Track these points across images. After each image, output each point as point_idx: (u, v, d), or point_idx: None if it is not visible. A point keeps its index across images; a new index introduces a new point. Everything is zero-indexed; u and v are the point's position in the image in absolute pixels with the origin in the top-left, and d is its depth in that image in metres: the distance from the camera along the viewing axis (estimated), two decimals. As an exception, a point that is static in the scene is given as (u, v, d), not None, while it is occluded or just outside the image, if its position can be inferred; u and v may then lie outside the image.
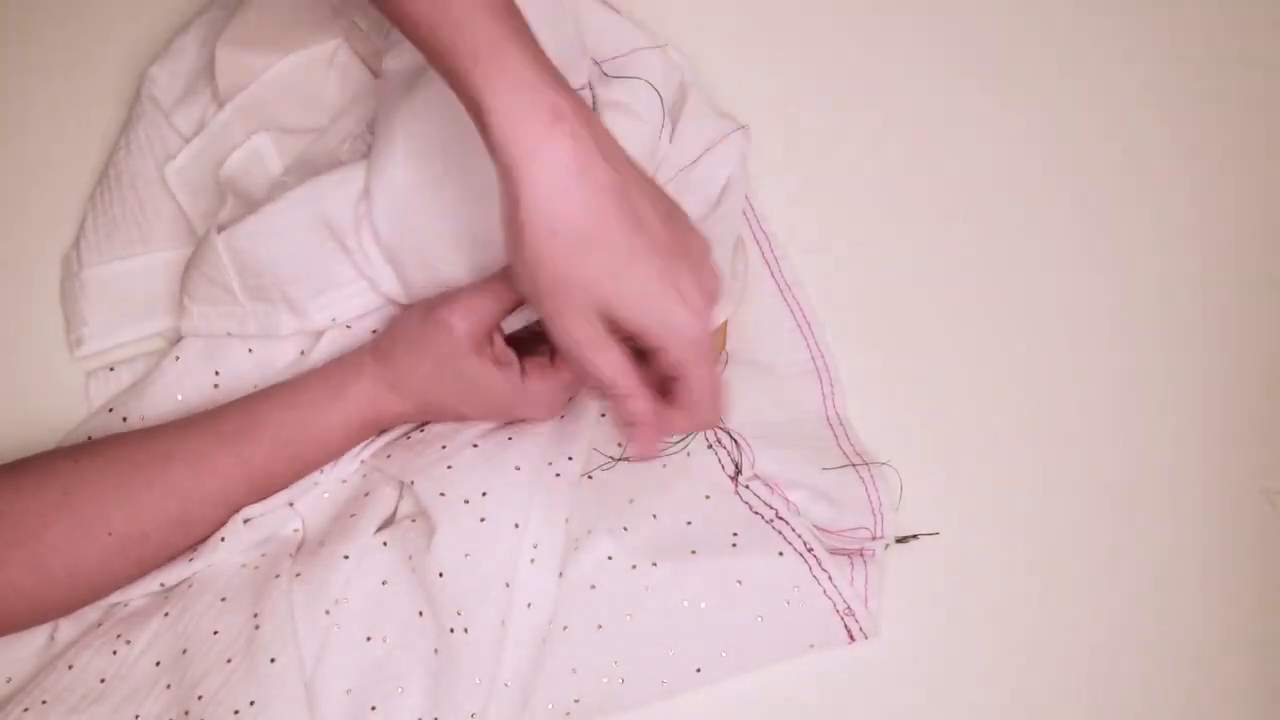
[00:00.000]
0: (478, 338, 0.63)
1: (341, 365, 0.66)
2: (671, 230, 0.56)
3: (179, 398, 0.69)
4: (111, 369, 0.72)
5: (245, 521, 0.66)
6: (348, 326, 0.70)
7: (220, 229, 0.68)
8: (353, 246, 0.68)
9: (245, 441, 0.64)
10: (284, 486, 0.67)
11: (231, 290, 0.69)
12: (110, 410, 0.70)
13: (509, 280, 0.62)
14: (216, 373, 0.70)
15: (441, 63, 0.55)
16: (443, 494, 0.64)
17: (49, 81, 0.78)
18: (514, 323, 0.67)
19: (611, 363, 0.56)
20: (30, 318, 0.73)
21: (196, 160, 0.74)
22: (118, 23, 0.80)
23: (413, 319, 0.65)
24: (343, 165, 0.69)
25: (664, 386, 0.59)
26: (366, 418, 0.66)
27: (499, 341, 0.65)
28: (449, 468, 0.65)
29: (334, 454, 0.67)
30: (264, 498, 0.66)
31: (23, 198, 0.76)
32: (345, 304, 0.69)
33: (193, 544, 0.66)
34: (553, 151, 0.52)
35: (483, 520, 0.64)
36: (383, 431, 0.69)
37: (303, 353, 0.71)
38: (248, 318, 0.69)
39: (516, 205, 0.53)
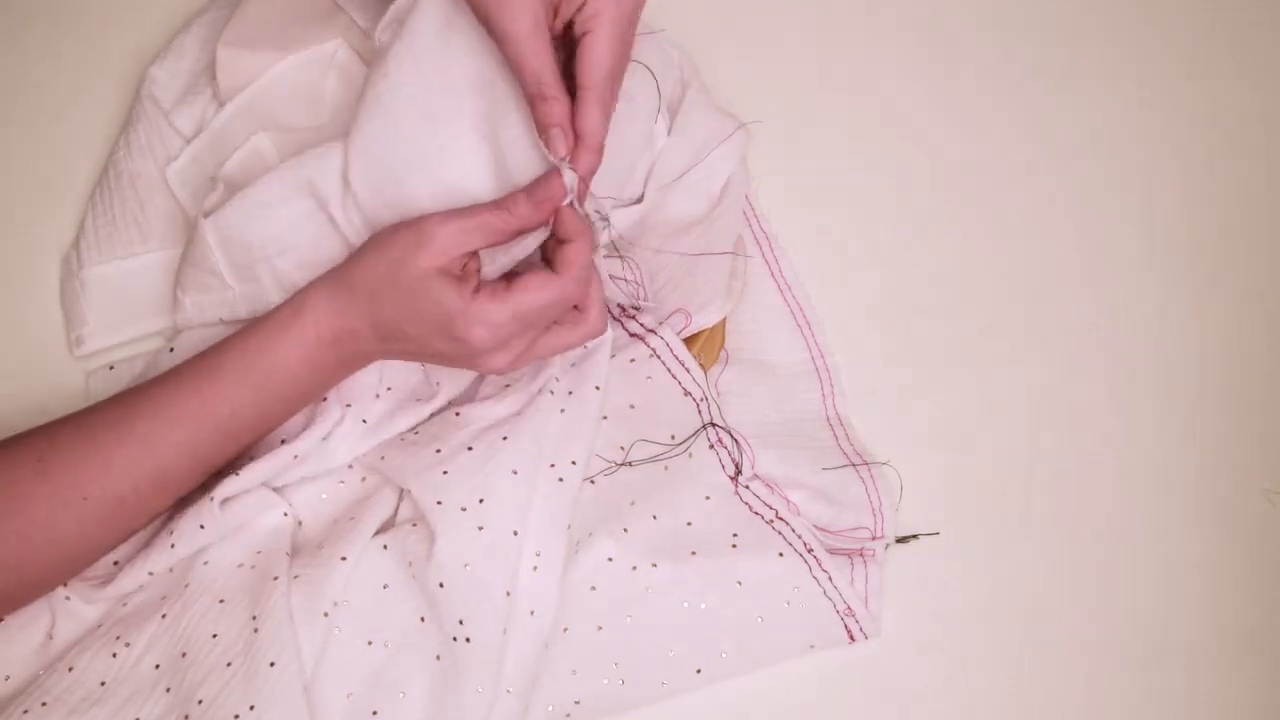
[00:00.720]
0: (451, 254, 0.61)
1: (302, 289, 0.65)
2: None
3: None
4: (111, 368, 0.72)
5: (221, 504, 0.65)
6: None
7: (206, 214, 0.68)
8: (340, 218, 0.67)
9: (205, 379, 0.63)
10: (257, 430, 0.64)
11: (220, 274, 0.68)
12: None
13: (502, 211, 0.61)
14: None
15: None
16: (439, 502, 0.64)
17: (49, 81, 0.78)
18: (491, 272, 0.64)
19: (545, 59, 0.60)
20: (30, 317, 0.73)
21: (197, 161, 0.74)
22: (118, 23, 0.80)
23: (392, 225, 0.63)
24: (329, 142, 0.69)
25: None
26: (323, 334, 0.63)
27: (473, 263, 0.62)
28: (444, 473, 0.65)
29: (299, 384, 0.64)
30: (239, 445, 0.64)
31: (23, 198, 0.76)
32: None
33: (169, 504, 0.64)
34: None
35: (480, 529, 0.64)
36: (347, 366, 0.65)
37: None
38: (238, 301, 0.69)
39: None
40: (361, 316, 0.63)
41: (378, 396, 0.68)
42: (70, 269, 0.73)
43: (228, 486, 0.65)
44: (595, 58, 0.61)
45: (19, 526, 0.60)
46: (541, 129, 0.62)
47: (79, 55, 0.78)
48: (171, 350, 0.70)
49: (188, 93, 0.76)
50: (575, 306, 0.64)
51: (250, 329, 0.64)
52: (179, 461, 0.63)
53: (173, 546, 0.65)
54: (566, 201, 0.61)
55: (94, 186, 0.75)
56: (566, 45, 0.63)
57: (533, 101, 0.62)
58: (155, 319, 0.73)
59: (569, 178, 0.61)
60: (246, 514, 0.66)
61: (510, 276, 0.62)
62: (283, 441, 0.67)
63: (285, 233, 0.67)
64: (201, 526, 0.65)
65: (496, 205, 0.61)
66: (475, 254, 0.62)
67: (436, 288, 0.60)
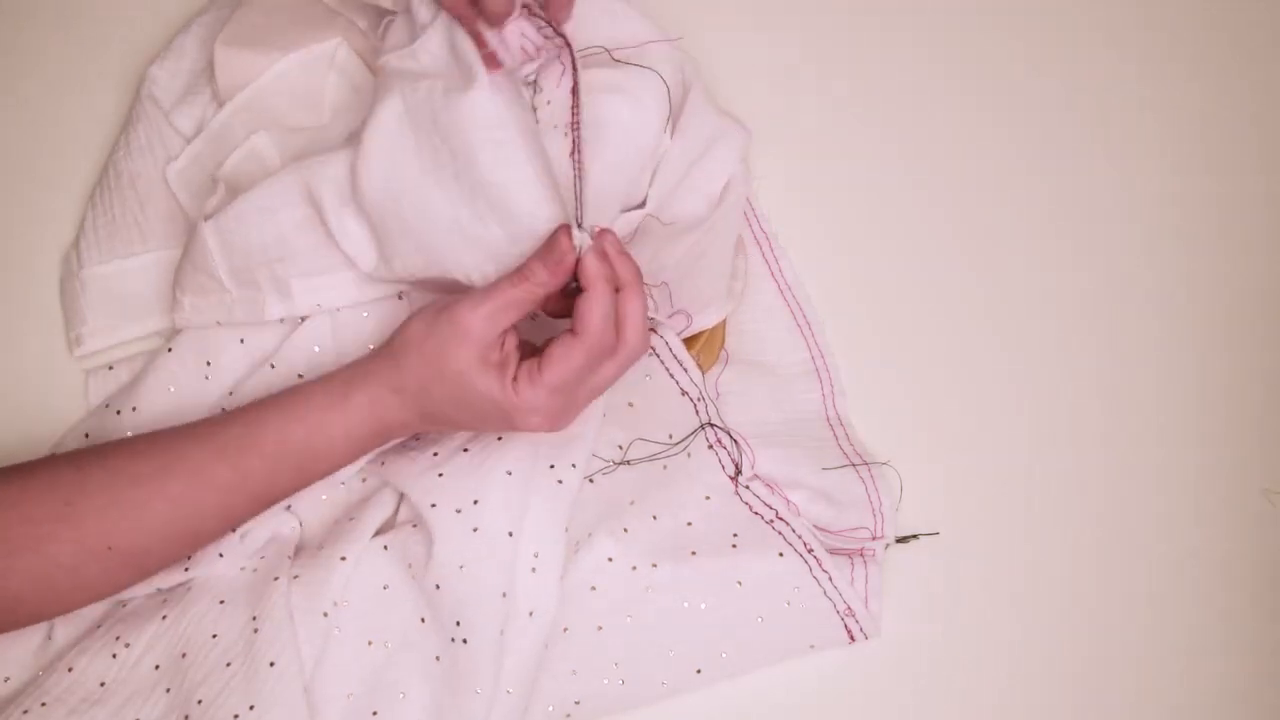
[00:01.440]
0: (489, 341, 0.61)
1: (346, 371, 0.64)
2: None
3: (171, 389, 0.69)
4: (110, 368, 0.72)
5: (242, 537, 0.65)
6: (339, 309, 0.69)
7: (207, 217, 0.68)
8: (334, 225, 0.66)
9: (245, 454, 0.62)
10: (285, 498, 0.64)
11: (218, 278, 0.68)
12: (106, 406, 0.70)
13: (524, 282, 0.61)
14: (208, 363, 0.69)
15: None
16: (434, 505, 0.64)
17: (49, 81, 0.78)
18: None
19: None
20: (30, 317, 0.73)
21: (197, 161, 0.74)
22: (118, 23, 0.79)
23: (425, 317, 0.63)
24: (331, 149, 0.68)
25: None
26: (372, 427, 0.63)
27: (510, 341, 0.62)
28: (440, 475, 0.65)
29: (338, 465, 0.64)
30: (265, 508, 0.64)
31: (23, 198, 0.76)
32: (332, 291, 0.68)
33: (194, 551, 0.65)
34: None
35: (475, 530, 0.64)
36: (388, 441, 0.67)
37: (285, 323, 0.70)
38: (235, 305, 0.69)
39: None
40: (411, 411, 0.63)
41: None
42: (70, 269, 0.73)
43: (250, 521, 0.65)
44: None
45: (41, 566, 0.59)
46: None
47: (79, 55, 0.78)
48: (170, 350, 0.70)
49: (188, 93, 0.76)
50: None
51: (292, 405, 0.63)
52: (209, 524, 0.63)
53: (186, 569, 0.65)
54: (576, 254, 0.61)
55: (94, 186, 0.75)
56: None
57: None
58: (155, 319, 0.73)
59: (578, 238, 0.61)
60: (264, 537, 0.66)
61: (540, 350, 0.62)
62: None
63: (285, 238, 0.67)
64: (220, 555, 0.65)
65: (517, 278, 0.61)
66: (510, 331, 0.62)
67: (481, 381, 0.61)
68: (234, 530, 0.65)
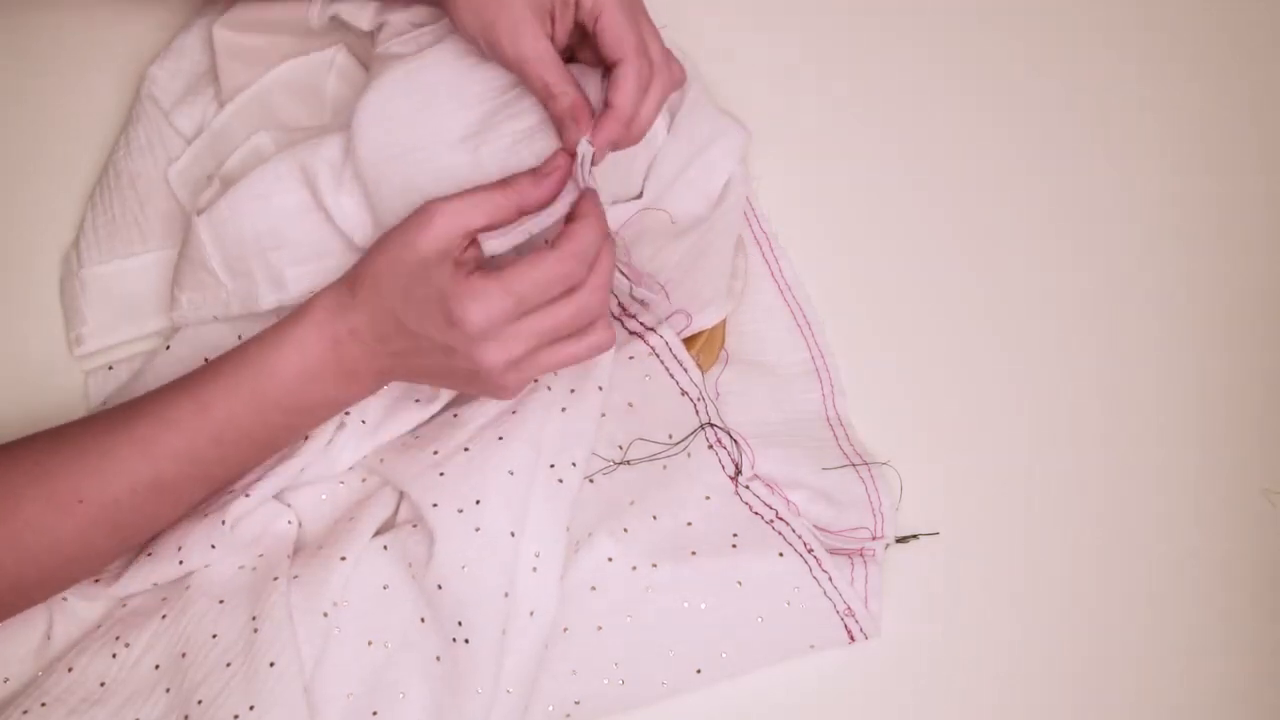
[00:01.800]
0: (453, 233, 0.59)
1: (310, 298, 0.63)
2: None
3: None
4: (110, 368, 0.72)
5: (231, 527, 0.64)
6: None
7: (200, 212, 0.68)
8: (330, 204, 0.66)
9: (204, 385, 0.61)
10: (256, 440, 0.63)
11: (214, 272, 0.68)
12: (104, 405, 0.70)
13: (506, 188, 0.60)
14: (205, 359, 0.69)
15: None
16: (436, 504, 0.64)
17: (49, 80, 0.78)
18: (496, 246, 0.62)
19: (550, 66, 0.61)
20: (30, 317, 0.73)
21: (198, 161, 0.74)
22: (118, 22, 0.79)
23: (392, 228, 0.62)
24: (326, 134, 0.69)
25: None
26: (322, 336, 0.61)
27: (474, 251, 0.60)
28: (441, 475, 0.65)
29: (295, 395, 0.62)
30: (241, 458, 0.63)
31: (22, 197, 0.76)
32: (324, 277, 0.67)
33: (172, 514, 0.64)
34: None
35: (477, 530, 0.64)
36: (346, 377, 0.63)
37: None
38: (231, 298, 0.69)
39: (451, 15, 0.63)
40: (361, 312, 0.61)
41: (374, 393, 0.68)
42: (70, 268, 0.73)
43: (238, 508, 0.64)
44: (612, 35, 0.62)
45: (13, 529, 0.59)
46: (556, 124, 0.62)
47: (79, 54, 0.78)
48: (168, 348, 0.70)
49: (188, 93, 0.76)
50: (591, 322, 0.62)
51: (255, 336, 0.63)
52: (176, 467, 0.61)
53: (181, 563, 0.65)
54: (583, 181, 0.60)
55: (94, 186, 0.75)
56: (586, 46, 0.65)
57: (546, 106, 0.62)
58: (155, 318, 0.73)
59: (583, 149, 0.60)
60: (256, 530, 0.66)
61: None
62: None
63: (280, 225, 0.67)
64: (213, 546, 0.65)
65: (501, 183, 0.60)
66: (475, 241, 0.61)
67: (435, 270, 0.59)
68: (201, 484, 0.64)
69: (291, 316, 0.62)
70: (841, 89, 0.82)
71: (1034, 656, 0.69)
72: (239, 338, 0.69)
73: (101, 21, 0.79)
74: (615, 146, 0.63)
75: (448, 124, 0.65)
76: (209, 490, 0.64)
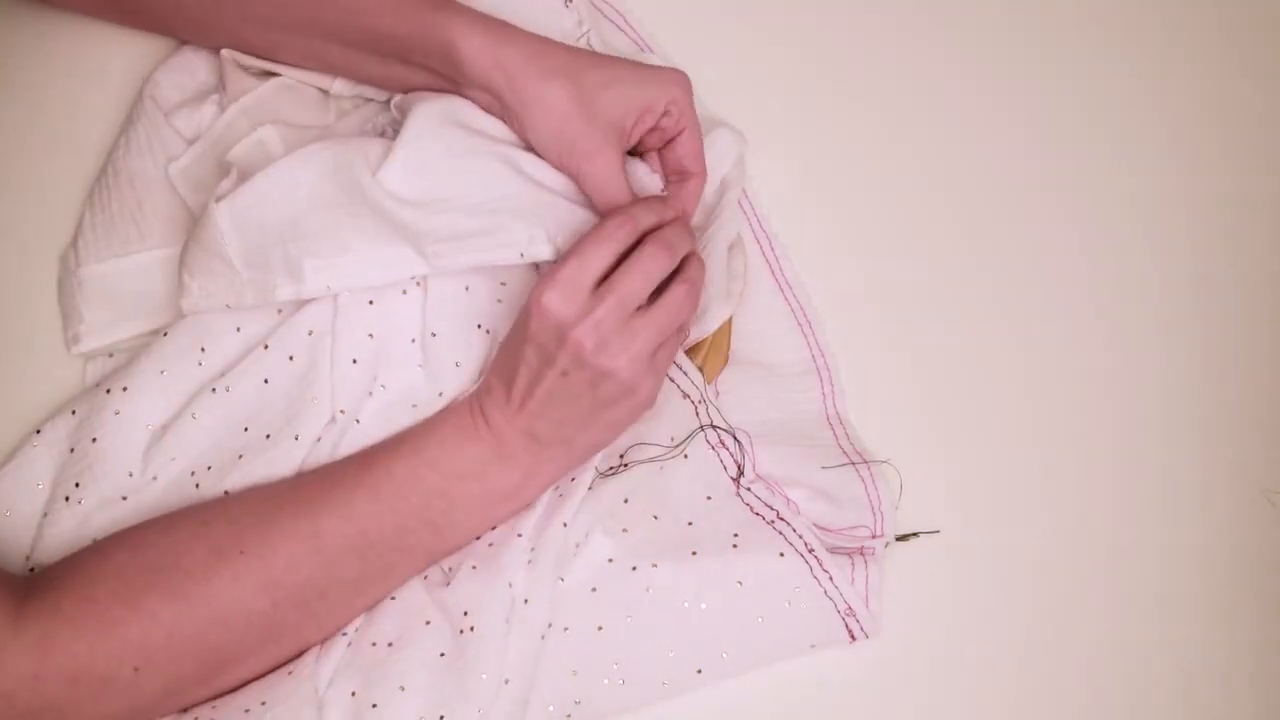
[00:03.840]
0: (579, 310, 0.60)
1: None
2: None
3: (162, 372, 0.69)
4: (111, 355, 0.72)
5: None
6: (340, 296, 0.68)
7: (219, 199, 0.67)
8: (364, 209, 0.66)
9: (378, 464, 0.64)
10: (394, 556, 0.64)
11: (228, 260, 0.67)
12: (97, 385, 0.70)
13: (600, 239, 0.61)
14: (202, 349, 0.69)
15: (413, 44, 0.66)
16: None
17: (49, 78, 0.78)
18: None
19: (621, 193, 0.67)
20: (29, 316, 0.73)
21: (201, 159, 0.73)
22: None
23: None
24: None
25: None
26: (462, 437, 0.64)
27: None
28: None
29: (452, 510, 0.64)
30: (380, 576, 0.64)
31: (23, 197, 0.75)
32: (342, 272, 0.67)
33: (327, 584, 0.63)
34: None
35: (490, 546, 0.65)
36: (498, 475, 0.64)
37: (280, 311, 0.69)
38: (245, 288, 0.67)
39: (525, 130, 0.68)
40: (511, 405, 0.63)
41: (370, 394, 0.68)
42: (68, 267, 0.73)
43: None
44: (688, 150, 0.69)
45: (175, 577, 0.60)
46: None
47: (79, 53, 0.78)
48: (165, 335, 0.69)
49: (192, 98, 0.76)
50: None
51: (397, 438, 0.65)
52: (334, 523, 0.62)
53: None
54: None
55: (92, 185, 0.74)
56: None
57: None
58: (153, 317, 0.72)
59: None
60: None
61: None
62: (267, 436, 0.67)
63: (301, 217, 0.66)
64: None
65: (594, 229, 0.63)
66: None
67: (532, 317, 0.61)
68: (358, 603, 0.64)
69: (435, 419, 0.65)
70: (842, 87, 0.82)
71: (1034, 655, 0.69)
72: (237, 330, 0.69)
73: (103, 21, 0.79)
74: None
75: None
76: (361, 564, 0.64)
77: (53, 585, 0.59)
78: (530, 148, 0.68)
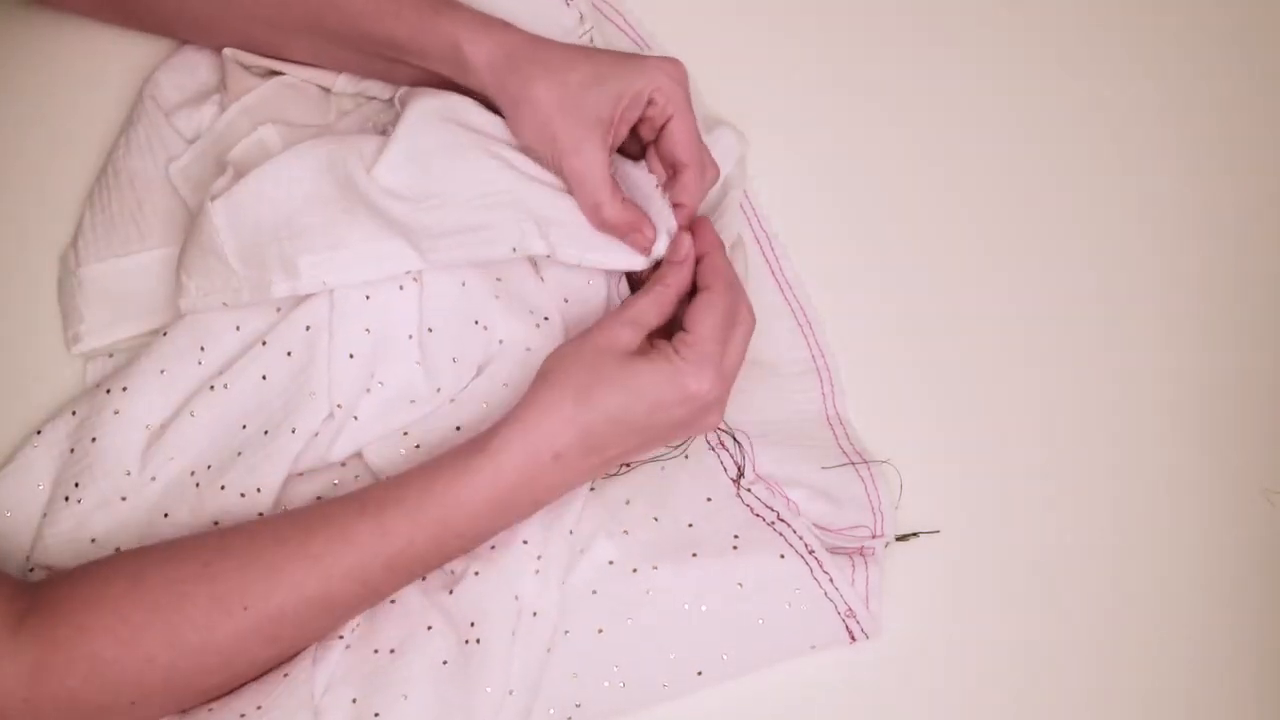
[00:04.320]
0: (638, 342, 0.63)
1: (488, 433, 0.62)
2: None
3: (162, 371, 0.69)
4: (110, 355, 0.72)
5: None
6: (336, 292, 0.68)
7: (214, 198, 0.67)
8: (359, 205, 0.66)
9: (386, 509, 0.60)
10: (429, 565, 0.63)
11: (225, 259, 0.67)
12: (97, 385, 0.70)
13: (666, 282, 0.64)
14: (202, 348, 0.69)
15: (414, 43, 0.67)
16: None
17: (49, 78, 0.78)
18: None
19: (606, 188, 0.66)
20: (27, 315, 0.73)
21: (201, 159, 0.73)
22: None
23: (563, 352, 0.63)
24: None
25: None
26: (516, 477, 0.61)
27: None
28: None
29: (479, 525, 0.62)
30: (409, 579, 0.63)
31: (23, 196, 0.75)
32: (339, 269, 0.66)
33: (329, 629, 0.63)
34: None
35: (493, 548, 0.65)
36: (539, 503, 0.64)
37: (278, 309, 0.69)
38: (241, 285, 0.67)
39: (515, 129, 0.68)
40: (567, 431, 0.61)
41: (368, 391, 0.68)
42: (68, 267, 0.73)
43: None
44: (680, 139, 0.67)
45: (174, 624, 0.58)
46: (615, 234, 0.67)
47: (79, 53, 0.78)
48: (165, 335, 0.69)
49: (192, 98, 0.76)
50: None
51: (438, 465, 0.62)
52: (346, 585, 0.60)
53: None
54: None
55: (92, 185, 0.74)
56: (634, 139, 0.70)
57: (591, 218, 0.67)
58: (152, 317, 0.72)
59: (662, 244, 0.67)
60: None
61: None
62: (265, 432, 0.67)
63: (297, 214, 0.66)
64: None
65: (657, 283, 0.65)
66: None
67: (646, 370, 0.61)
68: (370, 605, 0.64)
69: (480, 447, 0.61)
70: (842, 86, 0.82)
71: (1034, 655, 0.70)
72: (236, 329, 0.69)
73: (104, 22, 0.79)
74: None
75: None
76: (368, 607, 0.64)
77: (51, 607, 0.58)
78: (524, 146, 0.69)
